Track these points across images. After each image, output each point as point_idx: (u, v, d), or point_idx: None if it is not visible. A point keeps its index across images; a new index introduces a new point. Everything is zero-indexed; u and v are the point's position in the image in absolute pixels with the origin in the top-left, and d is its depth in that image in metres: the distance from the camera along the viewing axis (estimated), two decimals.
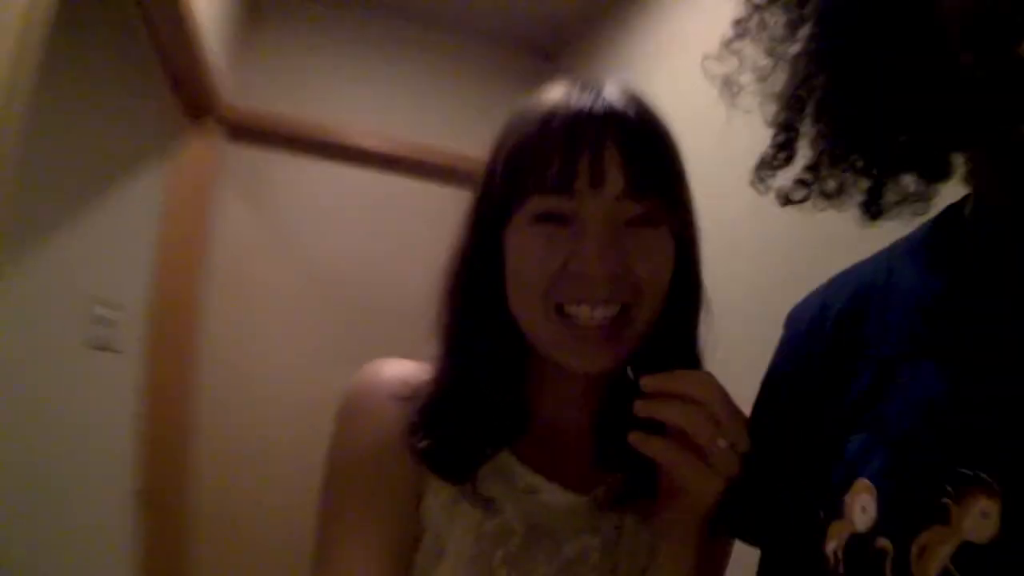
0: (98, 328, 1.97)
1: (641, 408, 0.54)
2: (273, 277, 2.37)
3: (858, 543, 0.43)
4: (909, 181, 0.51)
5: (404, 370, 0.67)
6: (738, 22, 0.54)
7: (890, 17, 0.45)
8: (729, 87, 0.55)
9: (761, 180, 0.55)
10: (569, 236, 0.58)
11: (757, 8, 0.53)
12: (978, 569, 0.37)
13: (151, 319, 2.04)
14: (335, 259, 2.44)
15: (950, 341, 0.44)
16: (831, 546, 0.45)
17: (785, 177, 0.54)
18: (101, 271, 1.98)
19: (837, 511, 0.45)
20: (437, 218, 2.34)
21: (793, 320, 0.59)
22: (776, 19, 0.52)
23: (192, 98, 2.02)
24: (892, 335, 0.47)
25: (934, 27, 0.41)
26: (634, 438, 0.54)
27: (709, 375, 0.56)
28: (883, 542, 0.41)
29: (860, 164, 0.50)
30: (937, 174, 0.50)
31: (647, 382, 0.54)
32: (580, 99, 0.59)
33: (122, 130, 2.01)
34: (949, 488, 0.39)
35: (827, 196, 0.52)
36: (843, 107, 0.49)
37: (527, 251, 0.60)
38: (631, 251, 0.58)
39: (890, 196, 0.51)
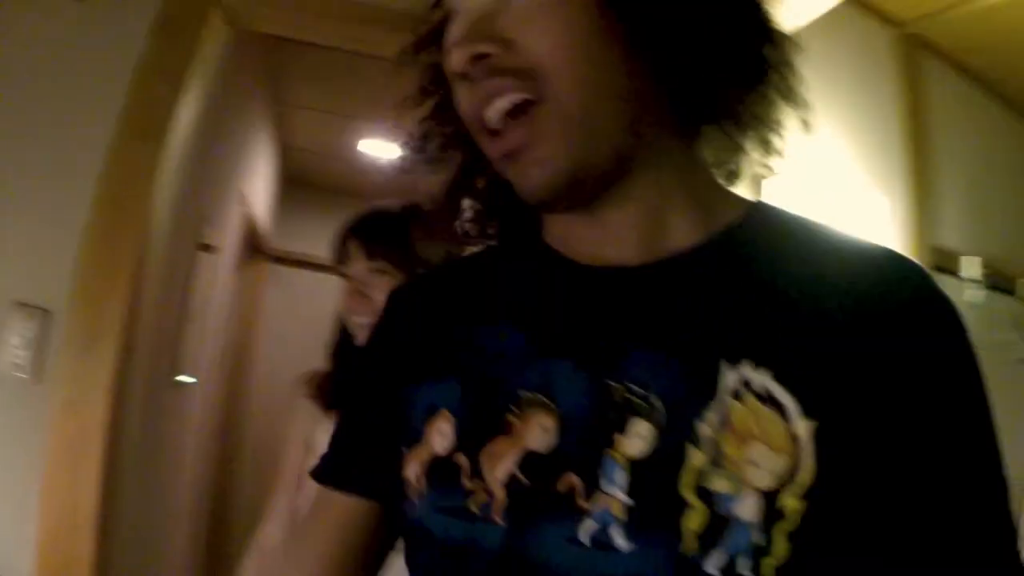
0: None
1: None
2: None
3: (438, 463, 0.50)
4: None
5: None
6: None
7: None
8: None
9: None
10: None
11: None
12: (540, 473, 0.45)
13: None
14: None
15: (523, 309, 0.53)
16: (412, 470, 0.51)
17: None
18: None
19: (416, 440, 0.52)
20: None
21: (394, 300, 0.63)
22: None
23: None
24: (479, 308, 0.55)
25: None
26: None
27: None
28: (459, 458, 0.48)
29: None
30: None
31: None
32: None
33: None
34: (513, 407, 0.47)
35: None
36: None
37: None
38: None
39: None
